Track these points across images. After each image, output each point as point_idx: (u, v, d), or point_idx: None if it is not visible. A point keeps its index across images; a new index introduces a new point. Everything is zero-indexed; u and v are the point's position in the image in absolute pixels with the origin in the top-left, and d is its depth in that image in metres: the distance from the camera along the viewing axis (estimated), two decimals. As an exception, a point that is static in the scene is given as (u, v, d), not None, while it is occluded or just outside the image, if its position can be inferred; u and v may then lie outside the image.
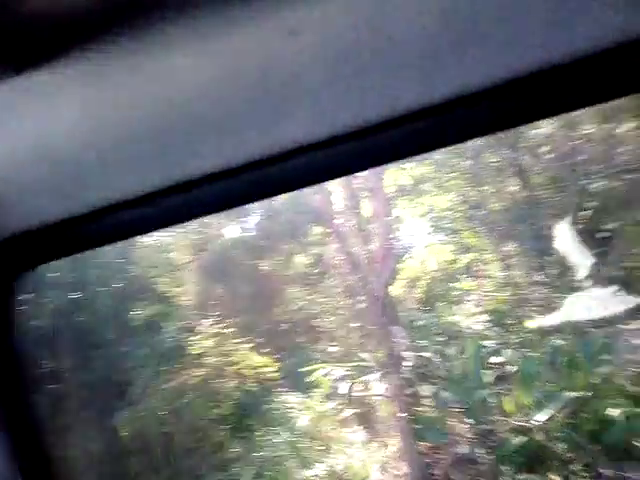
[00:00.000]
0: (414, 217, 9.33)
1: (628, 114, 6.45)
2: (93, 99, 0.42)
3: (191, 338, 7.77)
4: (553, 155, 7.75)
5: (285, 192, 0.54)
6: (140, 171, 0.46)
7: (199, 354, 7.67)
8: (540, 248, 7.71)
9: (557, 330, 6.35)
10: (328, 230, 8.69)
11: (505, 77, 0.37)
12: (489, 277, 8.40)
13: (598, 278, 6.21)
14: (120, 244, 8.38)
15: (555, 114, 0.46)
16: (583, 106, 0.43)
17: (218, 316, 8.49)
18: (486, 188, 8.56)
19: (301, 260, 9.56)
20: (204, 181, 0.46)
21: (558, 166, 7.66)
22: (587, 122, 7.01)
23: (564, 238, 6.23)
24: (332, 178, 0.52)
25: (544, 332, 6.65)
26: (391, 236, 8.20)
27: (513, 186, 8.45)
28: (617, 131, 6.68)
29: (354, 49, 0.37)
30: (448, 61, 0.37)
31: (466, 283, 8.54)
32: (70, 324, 6.64)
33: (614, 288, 5.85)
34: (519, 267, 8.22)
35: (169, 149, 0.44)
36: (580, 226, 7.19)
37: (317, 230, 9.28)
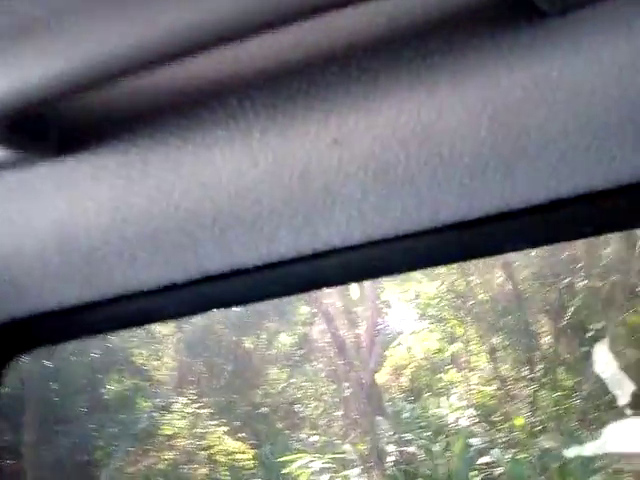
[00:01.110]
0: (401, 302, 9.33)
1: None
2: (124, 189, 0.42)
3: (164, 417, 7.32)
4: (539, 251, 7.99)
5: (310, 290, 0.54)
6: (163, 263, 0.46)
7: (171, 435, 7.19)
8: (527, 343, 7.70)
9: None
10: (315, 310, 8.60)
11: (547, 197, 0.39)
12: (476, 369, 8.27)
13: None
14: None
15: (591, 236, 0.48)
16: (618, 230, 0.45)
17: (194, 394, 8.08)
18: (472, 278, 8.68)
19: (286, 339, 9.34)
20: (230, 275, 0.46)
21: (542, 262, 7.87)
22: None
23: (603, 362, 6.01)
24: (361, 280, 0.53)
25: (532, 432, 6.44)
26: (379, 320, 8.13)
27: (499, 278, 8.59)
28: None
29: (399, 161, 0.39)
30: (493, 178, 0.39)
31: (452, 374, 8.39)
32: (38, 394, 6.23)
33: None
34: (506, 361, 8.14)
35: (198, 242, 0.44)
36: (565, 323, 7.26)
37: (304, 309, 9.17)
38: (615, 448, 5.12)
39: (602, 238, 6.88)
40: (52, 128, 0.40)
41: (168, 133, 0.40)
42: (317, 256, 0.44)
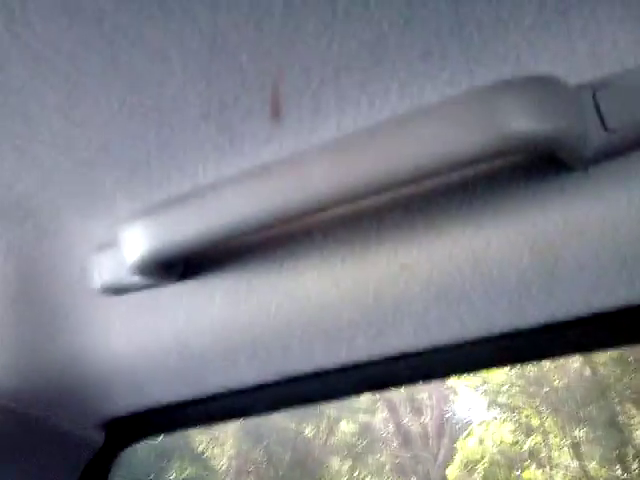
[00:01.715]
0: (468, 389, 8.80)
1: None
2: (232, 307, 0.50)
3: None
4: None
5: (381, 391, 0.60)
6: (259, 365, 0.53)
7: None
8: (615, 436, 6.92)
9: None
10: (378, 397, 8.25)
11: (587, 311, 0.45)
12: (559, 466, 7.45)
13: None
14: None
15: (633, 344, 0.51)
16: None
17: (253, 485, 7.73)
18: (544, 363, 8.12)
19: (347, 428, 8.93)
20: (314, 376, 0.53)
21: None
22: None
23: None
24: (426, 381, 0.57)
25: None
26: (446, 409, 7.66)
27: (574, 362, 7.99)
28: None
29: (456, 283, 0.45)
30: (537, 296, 0.45)
31: (532, 471, 7.59)
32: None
33: None
34: (593, 457, 7.30)
35: (289, 348, 0.51)
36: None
37: (366, 396, 8.82)
38: None
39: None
40: (180, 262, 0.51)
41: (270, 261, 0.50)
42: (388, 360, 0.51)
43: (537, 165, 0.43)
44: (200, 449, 8.02)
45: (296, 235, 0.49)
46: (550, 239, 0.43)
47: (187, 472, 7.28)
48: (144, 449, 7.00)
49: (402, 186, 0.39)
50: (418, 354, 0.51)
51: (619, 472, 6.87)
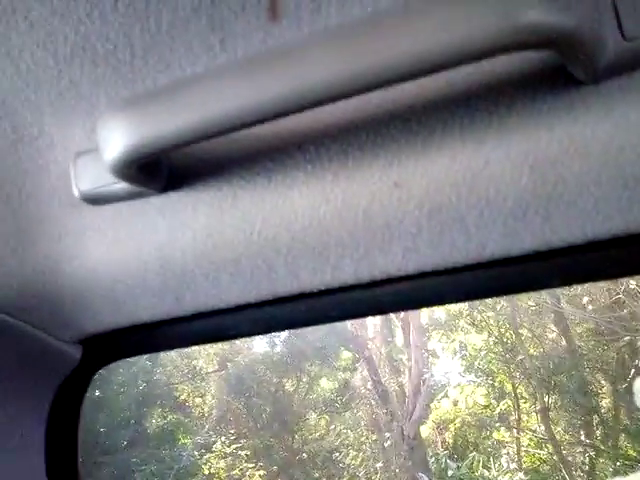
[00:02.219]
0: (447, 353, 9.04)
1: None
2: (216, 220, 0.48)
3: (205, 456, 7.24)
4: (594, 306, 7.61)
5: (364, 316, 0.58)
6: (242, 285, 0.51)
7: (209, 475, 7.08)
8: (583, 404, 7.21)
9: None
10: (358, 355, 8.46)
11: (583, 239, 0.43)
12: (526, 430, 7.79)
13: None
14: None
15: (622, 277, 0.49)
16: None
17: (233, 434, 8.00)
18: (522, 332, 8.33)
19: (327, 385, 9.19)
20: (297, 297, 0.52)
21: (600, 318, 7.47)
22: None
23: None
24: (412, 309, 0.56)
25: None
26: (425, 370, 7.88)
27: (551, 333, 8.21)
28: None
29: (450, 202, 0.43)
30: (533, 220, 0.43)
31: (501, 433, 7.93)
32: (86, 423, 6.35)
33: None
34: (560, 422, 7.63)
35: (273, 268, 0.49)
36: (626, 385, 6.77)
37: (346, 355, 9.04)
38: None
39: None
40: (164, 169, 0.47)
41: (255, 174, 0.47)
42: (375, 284, 0.50)
43: (546, 78, 0.40)
44: (182, 398, 8.22)
45: (286, 146, 0.46)
46: (553, 158, 0.41)
47: (168, 419, 7.48)
48: (125, 396, 7.15)
49: (403, 80, 0.36)
50: (406, 278, 0.49)
51: (582, 437, 7.20)
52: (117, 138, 0.40)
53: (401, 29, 0.34)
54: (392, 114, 0.44)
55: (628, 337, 7.01)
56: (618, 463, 6.63)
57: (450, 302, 0.55)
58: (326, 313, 0.56)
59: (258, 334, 0.61)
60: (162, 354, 8.35)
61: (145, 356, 7.67)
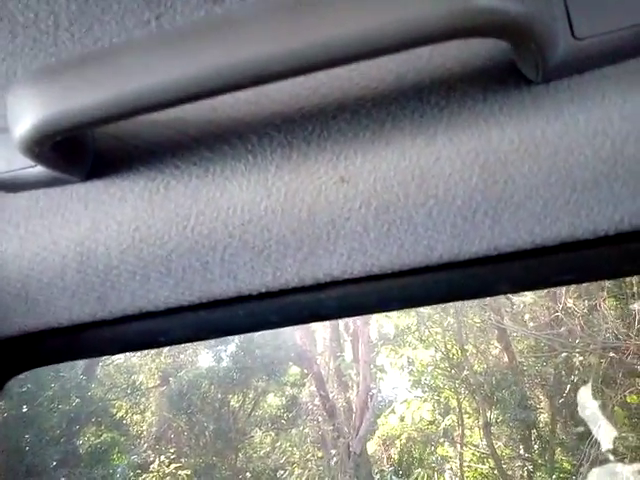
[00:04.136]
0: (395, 368, 9.12)
1: (608, 292, 6.79)
2: (145, 212, 0.44)
3: (139, 477, 6.87)
4: (535, 324, 7.92)
5: (307, 322, 0.55)
6: (173, 285, 0.47)
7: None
8: (523, 419, 7.44)
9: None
10: (307, 371, 8.37)
11: (532, 244, 0.42)
12: (469, 444, 7.93)
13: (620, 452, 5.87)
14: (85, 360, 7.85)
15: (571, 283, 0.50)
16: (595, 280, 0.47)
17: (174, 453, 7.65)
18: (468, 347, 8.54)
19: (274, 401, 9.01)
20: (235, 301, 0.48)
21: (540, 335, 7.78)
22: (568, 296, 7.33)
23: (586, 405, 5.99)
24: (358, 314, 0.54)
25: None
26: (372, 386, 7.90)
27: (494, 349, 8.46)
28: (598, 308, 6.95)
29: (398, 200, 0.41)
30: (482, 222, 0.42)
31: (445, 448, 8.03)
32: (9, 442, 5.88)
33: (638, 466, 5.47)
34: (501, 437, 7.83)
35: (209, 267, 0.45)
36: (562, 400, 7.06)
37: (295, 369, 8.92)
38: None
39: (600, 315, 6.87)
40: (86, 153, 0.43)
41: (191, 163, 0.44)
42: (319, 287, 0.47)
43: (497, 76, 0.40)
44: (119, 415, 7.81)
45: (226, 135, 0.43)
46: (502, 158, 0.40)
47: (102, 437, 7.07)
48: (54, 413, 6.71)
49: (345, 61, 0.34)
50: (352, 281, 0.45)
51: (522, 451, 7.41)
52: (27, 112, 0.36)
53: (346, 6, 0.33)
54: (340, 105, 0.42)
55: (565, 354, 7.34)
56: (554, 476, 6.86)
57: (395, 308, 0.52)
58: (266, 318, 0.52)
59: (192, 340, 0.56)
60: (99, 368, 7.92)
61: (79, 370, 7.25)
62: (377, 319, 8.91)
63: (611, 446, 5.79)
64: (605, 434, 5.86)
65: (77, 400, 7.03)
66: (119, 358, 8.60)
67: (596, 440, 5.90)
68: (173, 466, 7.36)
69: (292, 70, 0.34)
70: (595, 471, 5.49)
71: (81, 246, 0.45)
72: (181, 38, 0.34)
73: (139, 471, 7.10)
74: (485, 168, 0.40)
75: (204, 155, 0.43)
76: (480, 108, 0.40)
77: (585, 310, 6.96)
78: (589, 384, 6.26)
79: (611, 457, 5.79)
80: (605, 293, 6.77)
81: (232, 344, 8.99)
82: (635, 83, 0.39)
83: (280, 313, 0.51)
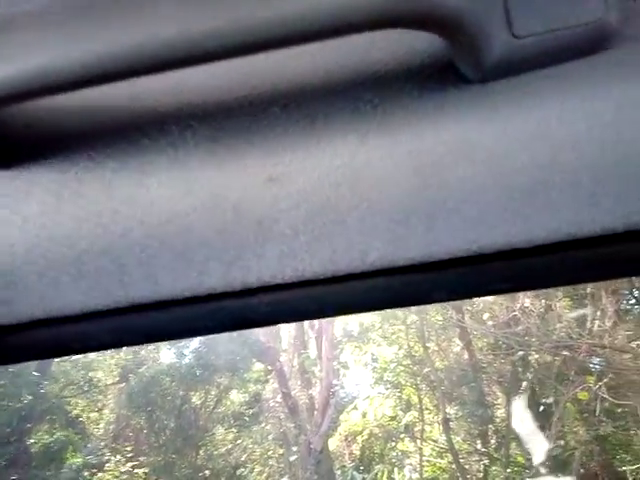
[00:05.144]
0: (358, 365, 9.19)
1: (563, 292, 7.03)
2: (54, 207, 0.41)
3: (95, 476, 6.69)
4: (494, 322, 8.13)
5: (237, 329, 0.53)
6: (87, 288, 0.44)
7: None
8: (481, 414, 7.64)
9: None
10: (271, 367, 8.33)
11: (467, 251, 0.41)
12: (429, 440, 8.09)
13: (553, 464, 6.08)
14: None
15: (508, 292, 0.50)
16: (533, 289, 0.47)
17: (131, 452, 7.48)
18: (430, 345, 8.70)
19: (236, 397, 8.93)
20: (156, 306, 0.45)
21: (498, 333, 7.99)
22: (526, 296, 7.56)
23: (520, 418, 6.19)
24: (290, 321, 0.53)
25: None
26: (334, 382, 7.93)
27: (455, 346, 8.65)
28: (553, 308, 7.19)
29: (330, 202, 0.40)
30: (416, 227, 0.41)
31: (405, 444, 8.16)
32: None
33: None
34: (459, 432, 8.01)
35: (126, 269, 0.42)
36: (518, 397, 7.28)
37: (259, 366, 8.87)
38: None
39: (555, 315, 7.12)
40: None
41: (105, 155, 0.41)
42: (248, 293, 0.44)
43: (434, 74, 0.38)
44: (74, 413, 7.57)
45: (144, 125, 0.40)
46: (437, 160, 0.38)
47: (55, 436, 6.84)
48: (6, 411, 6.45)
49: (252, 50, 0.32)
50: (283, 287, 0.43)
51: (479, 446, 7.61)
52: None
53: None
54: (270, 97, 0.40)
55: (522, 352, 7.56)
56: (509, 470, 7.07)
57: (331, 315, 0.50)
58: (193, 324, 0.49)
59: (109, 347, 0.52)
60: (54, 364, 7.65)
61: (32, 367, 6.99)
62: (342, 317, 8.96)
63: (544, 458, 6.00)
64: (537, 446, 6.08)
65: (29, 397, 6.77)
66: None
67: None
68: (130, 464, 7.20)
69: (209, 53, 0.32)
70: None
71: None
72: (95, 12, 0.32)
73: (95, 470, 6.91)
74: (419, 170, 0.39)
75: (120, 147, 0.40)
76: (416, 107, 0.39)
77: (542, 309, 7.19)
78: (524, 396, 6.47)
79: (542, 470, 6.02)
80: (560, 294, 7.01)
81: (195, 341, 8.86)
82: (574, 86, 0.38)
83: (208, 319, 0.48)
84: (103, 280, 0.43)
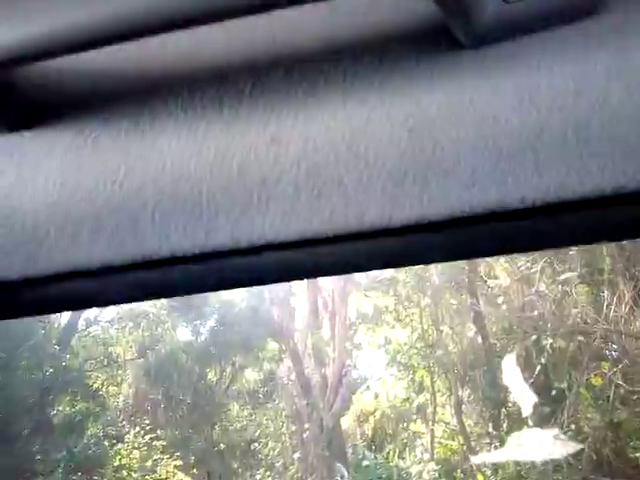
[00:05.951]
0: (372, 347, 9.24)
1: (580, 279, 6.94)
2: (73, 166, 0.44)
3: (115, 447, 6.92)
4: (508, 306, 8.07)
5: (243, 286, 0.55)
6: (105, 244, 0.46)
7: (119, 466, 6.78)
8: (493, 398, 7.64)
9: None
10: (285, 347, 8.44)
11: (460, 212, 0.42)
12: (441, 422, 8.14)
13: (541, 418, 6.16)
14: (59, 330, 7.80)
15: (502, 254, 0.51)
16: (525, 250, 0.48)
17: (149, 425, 7.71)
18: (443, 328, 8.68)
19: (251, 375, 9.09)
20: (167, 262, 0.47)
21: (513, 318, 7.93)
22: (542, 280, 7.47)
23: (510, 373, 6.26)
24: (293, 279, 0.55)
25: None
26: (348, 363, 8.01)
27: (469, 330, 8.61)
28: (569, 293, 7.10)
29: (328, 162, 0.41)
30: (412, 188, 0.42)
31: (417, 425, 8.23)
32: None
33: (555, 432, 5.78)
34: (471, 415, 8.04)
35: (138, 225, 0.45)
36: (532, 381, 7.26)
37: (273, 345, 8.99)
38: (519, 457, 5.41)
39: (570, 300, 7.03)
40: (12, 104, 0.42)
41: (120, 116, 0.43)
42: (253, 251, 0.46)
43: (430, 39, 0.40)
44: (95, 386, 7.81)
45: (155, 89, 0.42)
46: (430, 122, 0.40)
47: (77, 407, 7.07)
48: (29, 380, 6.68)
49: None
50: (286, 245, 0.45)
51: (490, 429, 7.63)
52: None
53: None
54: (273, 61, 0.41)
55: (535, 336, 7.51)
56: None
57: (332, 274, 0.52)
58: (203, 281, 0.51)
59: (128, 301, 0.55)
60: (74, 339, 7.87)
61: (53, 340, 7.20)
62: (356, 298, 8.99)
63: (532, 410, 6.10)
64: (525, 400, 6.17)
65: (51, 370, 6.99)
66: (96, 330, 8.55)
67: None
68: (148, 437, 7.42)
69: (216, 13, 0.33)
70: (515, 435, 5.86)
71: (7, 200, 0.44)
72: None
73: (114, 441, 7.15)
74: (414, 132, 0.40)
75: (134, 109, 0.42)
76: (412, 71, 0.40)
77: (558, 295, 7.11)
78: (513, 353, 6.51)
79: (530, 422, 6.10)
80: (578, 279, 6.90)
81: (211, 319, 9.01)
82: (564, 51, 0.38)
83: (217, 276, 0.50)
84: (119, 236, 0.45)
